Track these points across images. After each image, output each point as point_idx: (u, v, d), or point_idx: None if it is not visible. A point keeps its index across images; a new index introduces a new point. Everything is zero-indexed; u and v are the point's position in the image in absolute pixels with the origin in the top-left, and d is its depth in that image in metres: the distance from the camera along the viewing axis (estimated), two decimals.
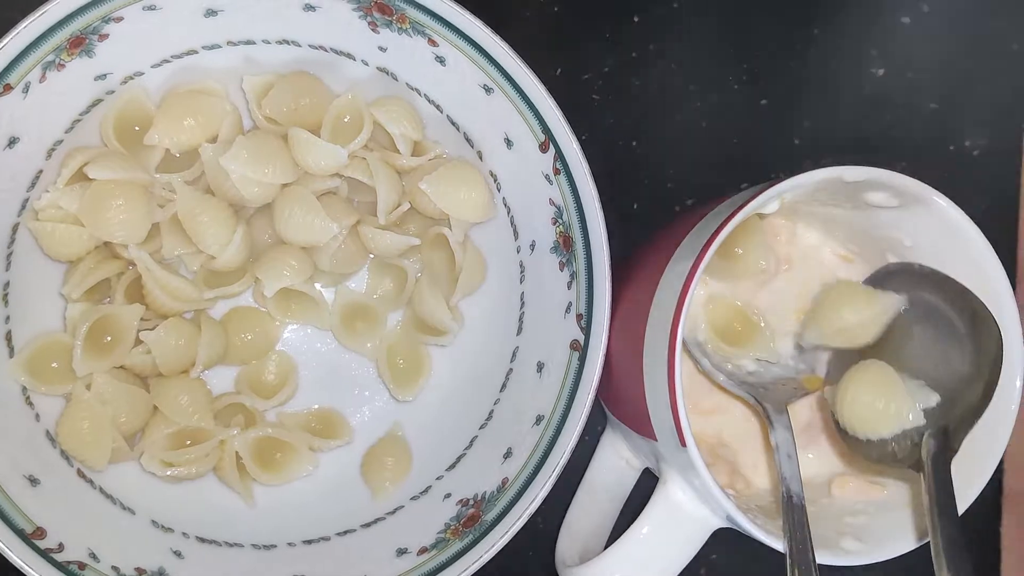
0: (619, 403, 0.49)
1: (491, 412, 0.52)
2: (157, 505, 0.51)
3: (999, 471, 0.59)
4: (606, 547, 0.45)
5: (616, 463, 0.53)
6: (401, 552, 0.49)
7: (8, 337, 0.50)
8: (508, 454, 0.49)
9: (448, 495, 0.50)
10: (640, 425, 0.45)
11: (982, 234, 0.43)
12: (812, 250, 0.50)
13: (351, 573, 0.48)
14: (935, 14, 0.61)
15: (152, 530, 0.50)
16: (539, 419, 0.49)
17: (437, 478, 0.52)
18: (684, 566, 0.44)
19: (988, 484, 0.57)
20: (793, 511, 0.41)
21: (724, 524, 0.43)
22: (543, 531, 0.56)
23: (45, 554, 0.45)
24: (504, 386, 0.52)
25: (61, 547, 0.46)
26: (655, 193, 0.59)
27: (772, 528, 0.42)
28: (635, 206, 0.58)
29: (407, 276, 0.54)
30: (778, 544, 0.41)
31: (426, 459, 0.53)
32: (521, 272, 0.53)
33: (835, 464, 0.50)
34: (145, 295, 0.51)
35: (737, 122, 0.60)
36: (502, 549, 0.47)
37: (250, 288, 0.54)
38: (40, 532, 0.46)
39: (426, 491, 0.52)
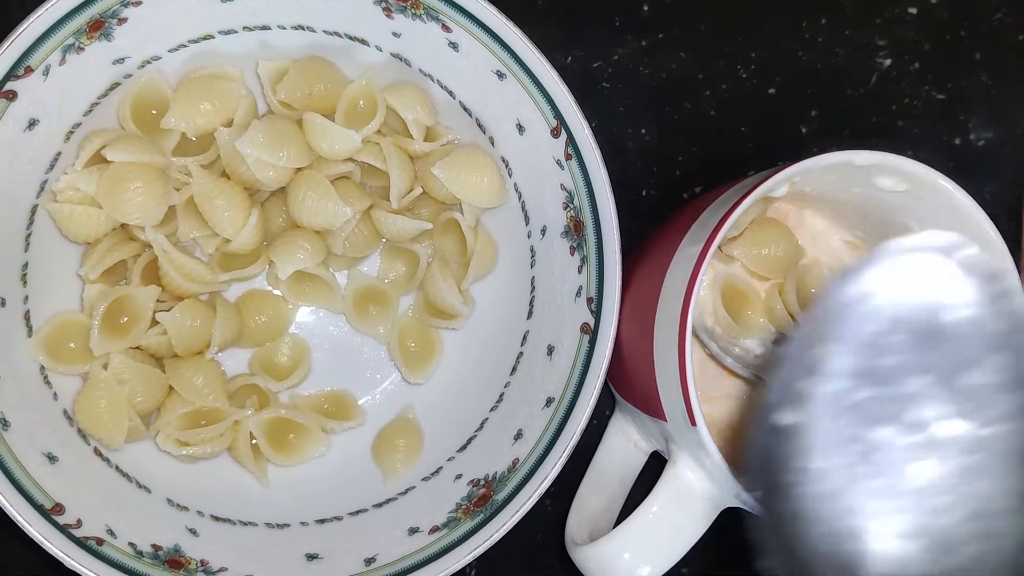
0: (629, 386, 0.50)
1: (502, 395, 0.53)
2: (172, 484, 0.51)
3: None
4: (615, 527, 0.45)
5: (625, 446, 0.53)
6: (413, 531, 0.49)
7: (27, 317, 0.50)
8: (519, 436, 0.50)
9: (459, 476, 0.51)
10: (650, 407, 0.46)
11: (989, 219, 0.43)
12: (820, 235, 0.51)
13: (363, 551, 0.49)
14: (942, 6, 0.62)
15: (168, 508, 0.50)
16: (549, 401, 0.49)
17: (448, 459, 0.52)
18: (693, 544, 0.45)
19: None
20: None
21: (733, 503, 0.44)
22: (553, 513, 0.56)
23: (64, 529, 0.46)
24: (515, 369, 0.53)
25: (79, 523, 0.46)
26: (664, 180, 0.59)
27: None
28: (644, 193, 0.59)
29: (419, 260, 0.55)
30: None
31: (437, 441, 0.54)
32: (532, 257, 0.53)
33: None
34: (161, 277, 0.51)
35: (746, 111, 0.60)
36: (512, 529, 0.48)
37: (264, 271, 0.54)
38: (59, 508, 0.46)
39: (437, 472, 0.52)
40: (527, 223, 0.53)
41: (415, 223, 0.53)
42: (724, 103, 0.60)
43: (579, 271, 0.50)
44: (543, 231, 0.52)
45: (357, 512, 0.52)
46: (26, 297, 0.50)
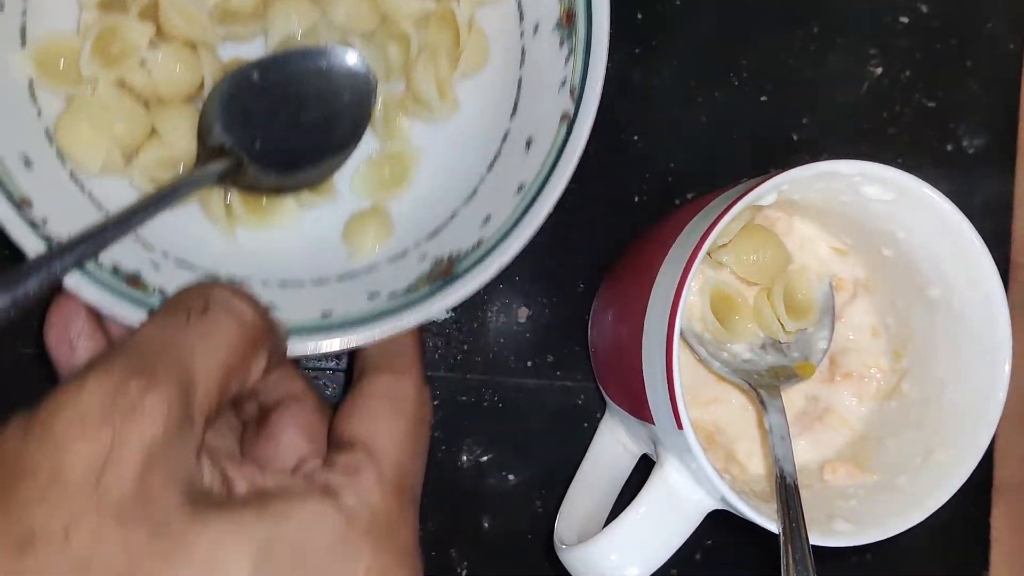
0: (618, 389, 0.51)
1: (475, 189, 0.52)
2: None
3: (989, 462, 0.60)
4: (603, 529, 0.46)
5: (614, 448, 0.54)
6: (372, 296, 0.49)
7: (23, 31, 0.50)
8: (487, 220, 0.49)
9: (424, 256, 0.51)
10: (638, 410, 0.47)
11: (974, 228, 0.44)
12: (808, 242, 0.52)
13: (322, 309, 0.49)
14: (934, 14, 0.62)
15: (134, 243, 0.49)
16: (520, 187, 0.49)
17: (416, 245, 0.52)
18: (679, 546, 0.45)
19: (978, 475, 0.58)
20: (786, 491, 0.42)
21: (719, 506, 0.44)
22: (542, 515, 0.57)
23: (29, 221, 0.45)
24: (491, 166, 0.53)
25: (45, 221, 0.46)
26: (656, 186, 0.60)
27: (765, 510, 0.43)
28: (636, 199, 0.59)
29: (410, 44, 0.53)
30: (770, 524, 0.42)
31: (407, 229, 0.53)
32: (521, 57, 0.53)
33: (827, 451, 0.51)
34: (159, 16, 0.50)
35: (737, 117, 0.61)
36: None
37: (259, 38, 0.53)
38: (27, 202, 0.46)
39: (403, 254, 0.52)
40: (521, 21, 0.53)
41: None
42: (716, 110, 0.60)
43: (566, 62, 0.50)
44: (536, 28, 0.52)
45: (320, 280, 0.51)
46: (25, 10, 0.50)
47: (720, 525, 0.47)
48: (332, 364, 0.57)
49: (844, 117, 0.62)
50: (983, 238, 0.58)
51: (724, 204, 0.42)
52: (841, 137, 0.61)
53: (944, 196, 0.44)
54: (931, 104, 0.62)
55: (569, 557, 0.46)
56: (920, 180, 0.43)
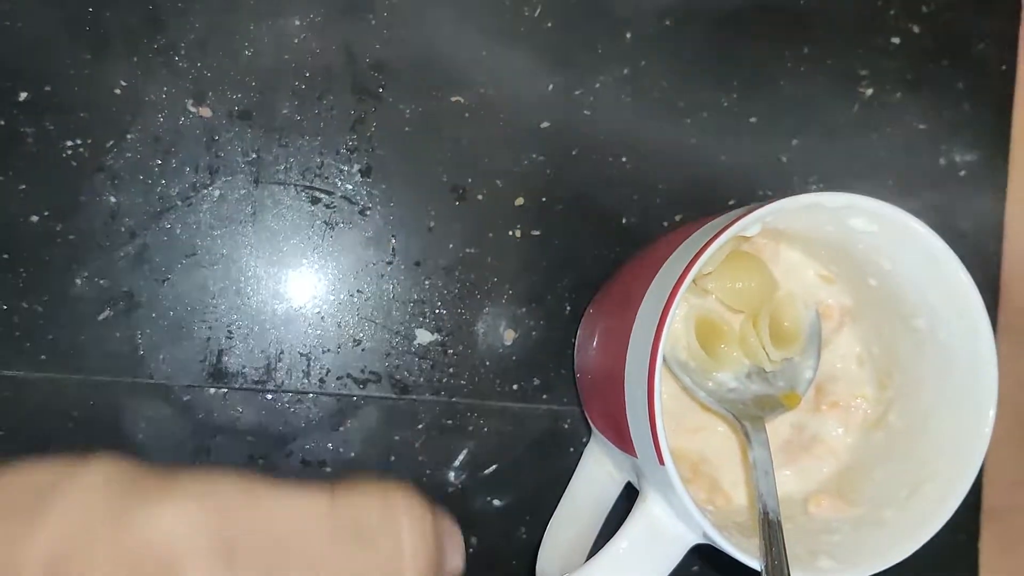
0: (602, 418, 0.50)
1: None
2: None
3: (978, 486, 0.60)
4: (586, 562, 0.45)
5: (600, 476, 0.53)
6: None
7: None
8: None
9: None
10: (622, 441, 0.46)
11: (960, 261, 0.43)
12: (794, 268, 0.51)
13: None
14: (925, 35, 0.62)
15: None
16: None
17: None
18: None
19: (967, 499, 0.58)
20: (769, 527, 0.42)
21: (701, 540, 0.44)
22: (527, 542, 0.57)
23: None
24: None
25: None
26: (644, 208, 0.59)
27: (748, 546, 0.43)
28: (624, 220, 0.59)
29: None
30: (752, 561, 0.42)
31: None
32: None
33: (812, 482, 0.51)
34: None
35: (726, 139, 0.60)
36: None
37: None
38: None
39: None
40: None
41: None
42: (705, 132, 0.60)
43: None
44: None
45: None
46: None
47: (707, 553, 0.46)
48: (315, 387, 0.57)
49: (834, 139, 0.61)
50: (974, 259, 0.58)
51: (708, 235, 0.42)
52: (831, 159, 0.61)
53: (930, 228, 0.43)
54: (922, 126, 0.62)
55: None
56: (907, 213, 0.43)
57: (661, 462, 0.41)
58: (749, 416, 0.47)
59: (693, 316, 0.50)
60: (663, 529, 0.44)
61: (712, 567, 0.59)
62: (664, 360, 0.48)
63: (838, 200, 0.43)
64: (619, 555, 0.44)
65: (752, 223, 0.42)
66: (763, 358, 0.50)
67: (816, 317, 0.51)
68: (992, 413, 0.44)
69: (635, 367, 0.43)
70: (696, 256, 0.41)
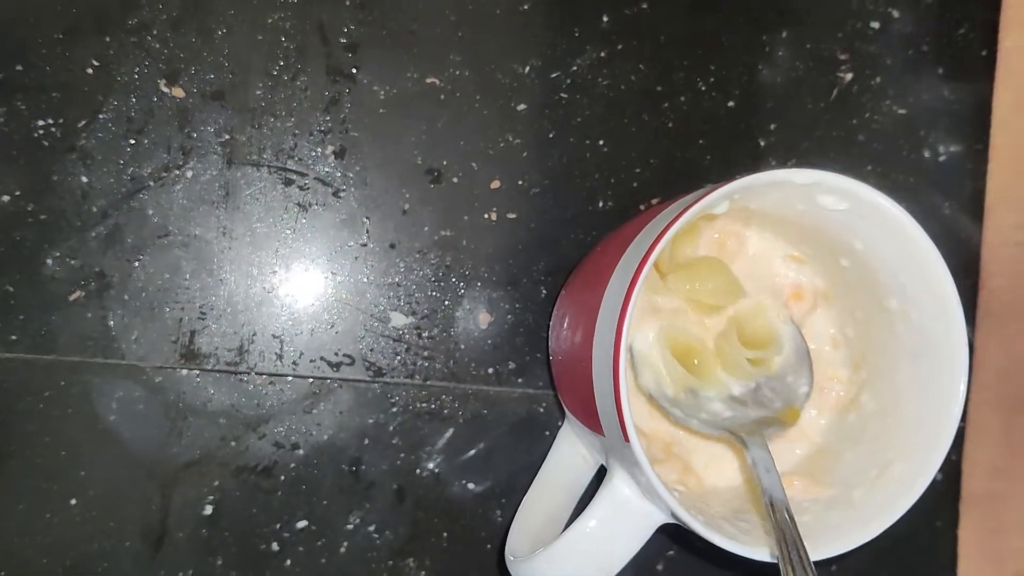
0: (572, 398, 0.50)
1: None
2: None
3: (957, 475, 0.59)
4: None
5: (573, 458, 0.53)
6: None
7: None
8: None
9: None
10: (590, 420, 0.46)
11: (930, 239, 0.43)
12: (763, 255, 0.51)
13: None
14: (905, 20, 0.62)
15: None
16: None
17: None
18: (630, 559, 0.44)
19: (946, 488, 0.58)
20: (776, 512, 0.42)
21: (669, 519, 0.43)
22: (502, 525, 0.57)
23: None
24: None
25: None
26: (621, 192, 0.59)
27: (716, 525, 0.42)
28: (600, 204, 0.59)
29: None
30: (720, 540, 0.41)
31: None
32: None
33: (785, 464, 0.50)
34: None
35: (704, 123, 0.60)
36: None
37: None
38: None
39: None
40: None
41: None
42: (682, 115, 0.60)
43: None
44: None
45: None
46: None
47: (683, 534, 0.46)
48: (289, 369, 0.57)
49: (813, 124, 0.61)
50: (954, 244, 0.58)
51: (675, 212, 0.42)
52: (810, 144, 0.61)
53: (899, 206, 0.43)
54: (902, 111, 0.62)
55: (517, 569, 0.46)
56: (875, 190, 0.42)
57: (626, 439, 0.41)
58: (746, 430, 0.47)
59: (666, 339, 0.49)
60: (631, 507, 0.44)
61: (688, 551, 0.59)
62: (652, 397, 0.48)
63: (807, 176, 0.42)
64: (587, 533, 0.44)
65: (719, 200, 0.42)
66: (743, 367, 0.49)
67: (797, 330, 0.50)
68: (962, 393, 0.43)
69: (602, 344, 0.42)
70: (663, 232, 0.41)
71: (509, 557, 0.47)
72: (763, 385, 0.50)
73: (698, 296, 0.49)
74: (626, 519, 0.44)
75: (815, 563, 0.42)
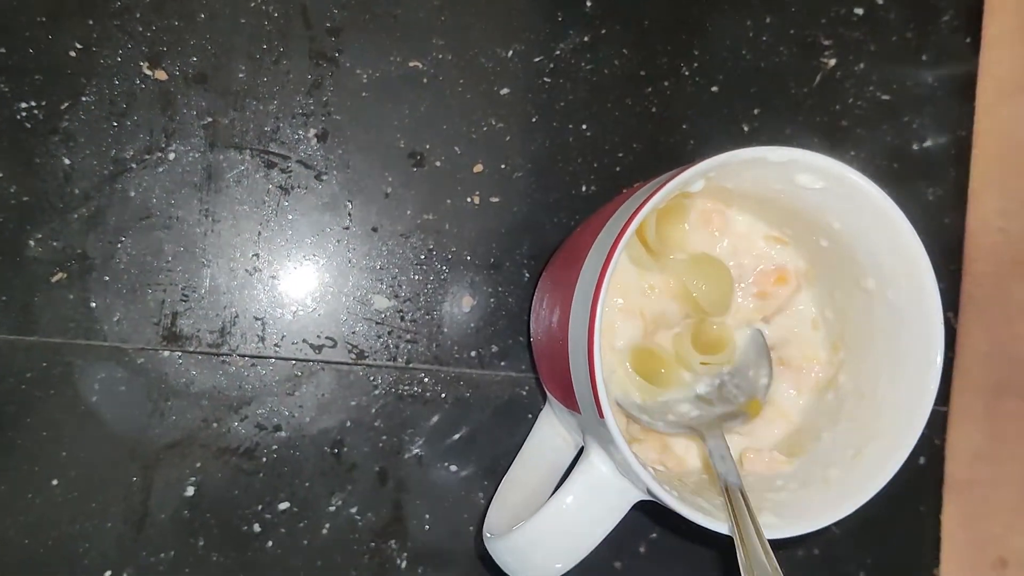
0: (550, 377, 0.50)
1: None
2: None
3: (940, 459, 0.59)
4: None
5: (553, 439, 0.53)
6: None
7: None
8: None
9: None
10: (567, 398, 0.46)
11: (906, 218, 0.43)
12: (743, 237, 0.51)
13: None
14: (889, 6, 0.62)
15: None
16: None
17: None
18: (605, 535, 0.45)
19: (930, 472, 0.58)
20: (731, 493, 0.42)
21: (645, 496, 0.44)
22: (484, 507, 0.57)
23: None
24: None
25: None
26: (605, 176, 0.59)
27: (692, 501, 0.42)
28: (584, 188, 0.59)
29: None
30: (695, 516, 0.41)
31: None
32: None
33: (763, 445, 0.50)
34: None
35: (688, 108, 0.60)
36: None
37: None
38: None
39: None
40: None
41: None
42: (666, 100, 0.60)
43: None
44: None
45: None
46: None
47: (665, 516, 0.46)
48: (271, 351, 0.57)
49: (797, 109, 0.61)
50: (938, 230, 0.58)
51: (650, 191, 0.42)
52: (793, 130, 0.61)
53: (873, 183, 0.43)
54: (885, 97, 0.62)
55: (494, 546, 0.46)
56: (848, 167, 0.42)
57: (601, 415, 0.41)
58: (710, 426, 0.47)
59: (629, 353, 0.49)
60: (607, 484, 0.44)
61: (671, 533, 0.59)
62: (619, 405, 0.48)
63: (781, 155, 0.42)
64: (563, 509, 0.44)
65: (694, 178, 0.42)
66: (696, 364, 0.50)
67: (759, 334, 0.51)
68: (937, 372, 0.43)
69: (577, 320, 0.43)
70: (638, 209, 0.41)
71: (486, 534, 0.47)
72: (727, 382, 0.50)
73: (696, 293, 0.49)
74: (602, 496, 0.44)
75: (791, 539, 0.42)
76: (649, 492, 0.42)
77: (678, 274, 0.49)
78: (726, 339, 0.51)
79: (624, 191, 0.57)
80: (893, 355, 0.46)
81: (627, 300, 0.49)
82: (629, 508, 0.45)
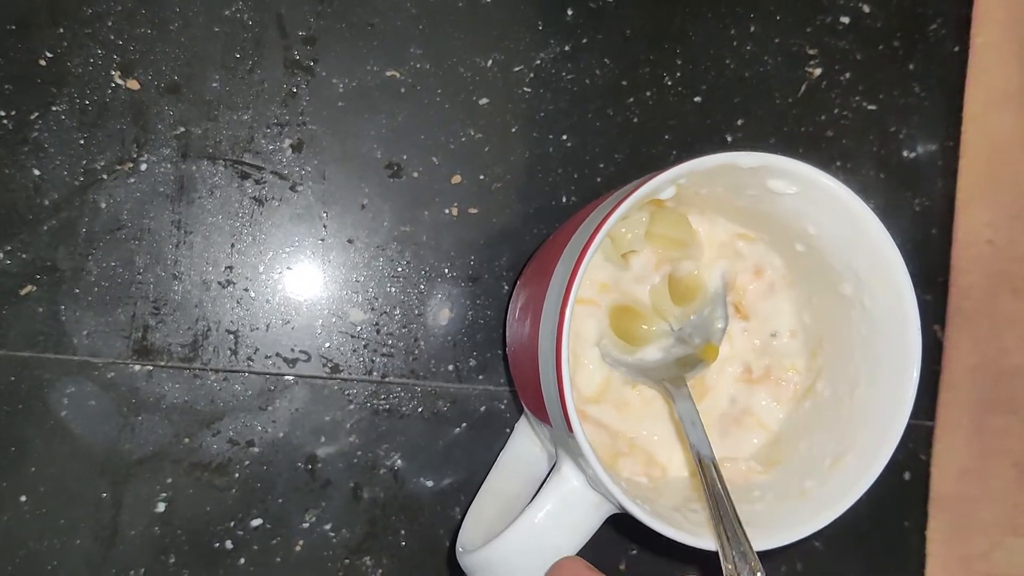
0: (523, 388, 0.49)
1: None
2: None
3: (926, 475, 0.59)
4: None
5: (528, 452, 0.53)
6: None
7: None
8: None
9: None
10: (538, 410, 0.45)
11: (878, 220, 0.42)
12: (709, 233, 0.50)
13: None
14: (876, 15, 0.61)
15: None
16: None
17: None
18: (578, 549, 0.44)
19: (916, 488, 0.57)
20: (705, 470, 0.41)
21: (617, 510, 0.43)
22: (460, 522, 0.56)
23: None
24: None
25: None
26: (586, 187, 0.58)
27: (672, 517, 0.42)
28: (564, 199, 0.58)
29: None
30: (668, 530, 0.40)
31: None
32: None
33: (741, 454, 0.50)
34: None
35: (670, 118, 0.59)
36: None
37: None
38: None
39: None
40: None
41: None
42: (648, 110, 0.59)
43: None
44: None
45: None
46: None
47: (645, 533, 0.45)
48: (243, 365, 0.56)
49: (781, 119, 0.60)
50: (925, 240, 0.57)
51: (619, 197, 0.41)
52: (778, 140, 0.60)
53: (847, 188, 0.42)
54: (872, 107, 0.61)
55: (466, 561, 0.45)
56: (822, 172, 0.42)
57: (570, 429, 0.40)
58: (671, 377, 0.46)
59: (606, 308, 0.49)
60: (579, 498, 0.43)
61: (650, 550, 0.58)
62: (601, 355, 0.47)
63: (752, 160, 0.41)
64: (535, 523, 0.43)
65: (665, 184, 0.41)
66: (672, 317, 0.49)
67: (720, 280, 0.50)
68: (914, 381, 0.43)
69: (546, 331, 0.42)
70: (606, 217, 0.40)
71: (459, 549, 0.46)
72: (685, 325, 0.50)
73: (664, 232, 0.49)
74: (574, 509, 0.43)
75: (767, 552, 0.41)
76: (619, 505, 0.41)
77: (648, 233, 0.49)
78: (700, 284, 0.50)
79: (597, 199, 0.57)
80: (870, 363, 0.45)
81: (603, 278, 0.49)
82: (602, 522, 0.44)
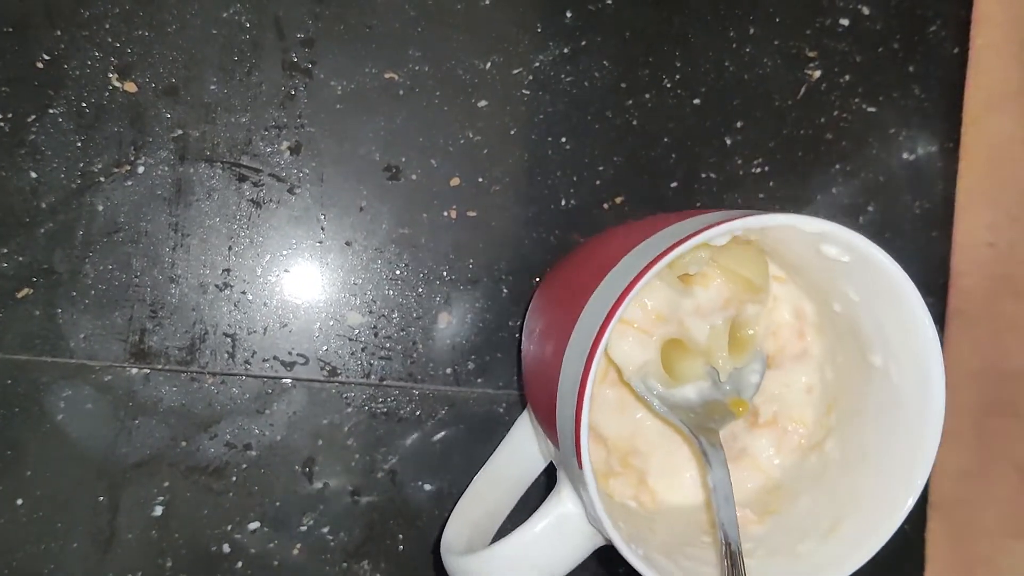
0: (535, 400, 0.48)
1: None
2: None
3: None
4: (495, 538, 0.44)
5: (525, 450, 0.53)
6: None
7: None
8: None
9: None
10: (548, 427, 0.45)
11: (924, 305, 0.41)
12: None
13: None
14: (876, 17, 0.61)
15: None
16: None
17: None
18: (568, 571, 0.44)
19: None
20: (730, 558, 0.41)
21: (610, 543, 0.43)
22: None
23: None
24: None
25: None
26: (585, 190, 0.58)
27: (666, 567, 0.41)
28: (563, 203, 0.58)
29: None
30: None
31: None
32: None
33: (738, 494, 0.49)
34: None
35: (669, 121, 0.59)
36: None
37: None
38: None
39: None
40: None
41: None
42: (648, 113, 0.59)
43: None
44: None
45: None
46: None
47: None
48: (241, 368, 0.56)
49: (781, 122, 0.60)
50: (925, 245, 0.57)
51: (670, 240, 0.40)
52: (777, 143, 0.60)
53: (901, 268, 0.41)
54: (871, 109, 0.61)
55: (456, 566, 0.45)
56: (880, 248, 0.40)
57: (580, 467, 0.39)
58: (704, 429, 0.45)
59: (658, 340, 0.48)
60: (574, 526, 0.43)
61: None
62: (597, 368, 0.47)
63: (813, 226, 0.40)
64: (526, 543, 0.43)
65: (720, 234, 0.40)
66: (721, 364, 0.48)
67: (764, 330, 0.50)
68: (929, 463, 0.42)
69: (570, 370, 0.41)
70: (650, 264, 0.39)
71: (446, 552, 0.46)
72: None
73: (737, 269, 0.48)
74: (569, 534, 0.43)
75: None
76: (612, 543, 0.41)
77: (719, 261, 0.48)
78: (753, 344, 0.49)
79: (605, 207, 0.57)
80: (887, 435, 0.44)
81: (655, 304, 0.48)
82: (594, 550, 0.44)
